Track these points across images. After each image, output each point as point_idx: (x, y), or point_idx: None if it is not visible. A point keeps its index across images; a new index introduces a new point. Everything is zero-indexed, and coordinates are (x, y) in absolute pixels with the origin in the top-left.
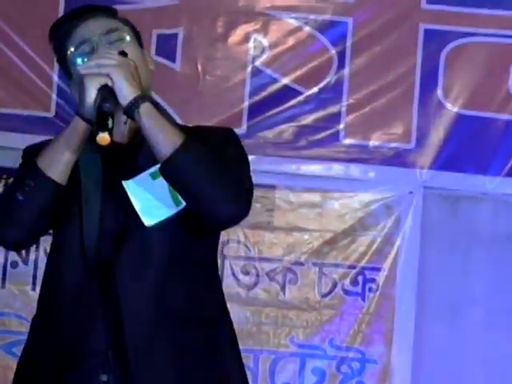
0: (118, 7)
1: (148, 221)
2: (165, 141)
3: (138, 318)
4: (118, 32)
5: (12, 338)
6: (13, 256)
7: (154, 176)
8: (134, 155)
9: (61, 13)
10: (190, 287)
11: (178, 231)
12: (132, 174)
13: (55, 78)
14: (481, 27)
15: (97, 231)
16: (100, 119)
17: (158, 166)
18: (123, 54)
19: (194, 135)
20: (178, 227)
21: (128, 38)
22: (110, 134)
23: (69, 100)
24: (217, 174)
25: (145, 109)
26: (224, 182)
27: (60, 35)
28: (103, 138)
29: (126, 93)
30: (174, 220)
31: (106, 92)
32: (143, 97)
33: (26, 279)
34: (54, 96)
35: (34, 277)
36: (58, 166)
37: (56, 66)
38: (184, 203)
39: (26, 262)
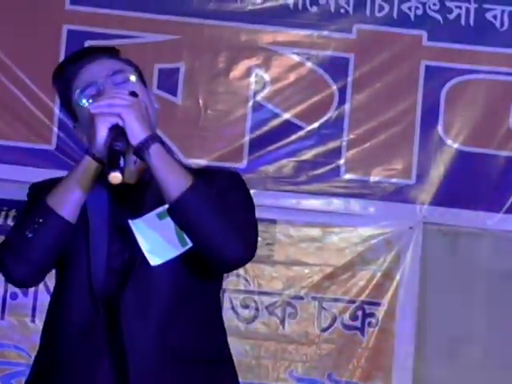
0: (121, 41)
1: (154, 260)
2: (174, 182)
3: (142, 357)
4: (123, 73)
5: (11, 370)
6: (12, 287)
7: (160, 216)
8: (141, 195)
9: (63, 47)
10: (194, 327)
11: (183, 272)
12: (139, 213)
13: (56, 110)
14: (482, 64)
15: (104, 269)
16: (112, 158)
17: (165, 206)
18: (134, 94)
19: (200, 177)
20: (183, 267)
21: (133, 78)
22: (122, 173)
23: (69, 133)
24: (224, 217)
25: (155, 149)
26: (231, 225)
27: (64, 79)
28: (115, 177)
29: (136, 133)
30: (179, 260)
31: (117, 132)
32: (153, 137)
33: (25, 311)
34: (55, 129)
35: (34, 308)
36: (68, 204)
37: (57, 99)
38: (190, 244)
39: (25, 294)
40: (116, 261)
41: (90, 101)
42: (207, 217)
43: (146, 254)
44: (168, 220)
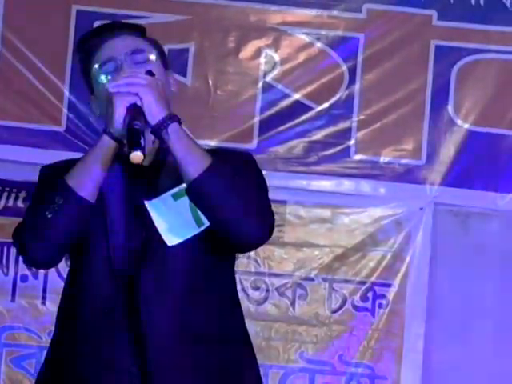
0: (130, 22)
1: (170, 240)
2: (193, 162)
3: (160, 335)
4: (143, 53)
5: (21, 352)
6: (23, 270)
7: (176, 196)
8: (155, 175)
9: (72, 28)
10: (210, 307)
11: (200, 251)
12: (154, 194)
13: (66, 92)
14: (492, 44)
15: (122, 248)
16: (132, 137)
17: (180, 186)
18: (150, 73)
19: (215, 157)
20: (199, 247)
21: (153, 59)
22: (143, 152)
23: (79, 115)
24: (243, 197)
25: (173, 129)
26: (250, 205)
27: (87, 49)
28: (136, 156)
29: (155, 112)
30: (195, 240)
31: (136, 111)
32: (172, 117)
33: (35, 293)
34: (65, 110)
35: (44, 291)
36: (87, 184)
37: (67, 80)
38: (206, 224)
39: (35, 276)
40: (133, 241)
41: (108, 77)
42: (226, 197)
43: (163, 234)
44: (183, 200)
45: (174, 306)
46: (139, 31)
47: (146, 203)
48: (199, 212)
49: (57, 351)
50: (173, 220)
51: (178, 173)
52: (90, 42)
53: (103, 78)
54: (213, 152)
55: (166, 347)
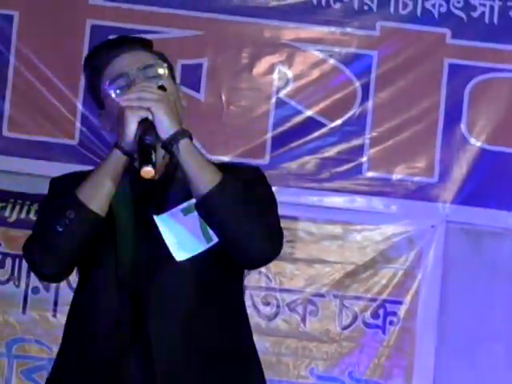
0: (137, 36)
1: (179, 256)
2: (203, 177)
3: (168, 354)
4: (155, 68)
5: (32, 364)
6: (34, 282)
7: (185, 211)
8: (164, 190)
9: (86, 42)
10: (219, 323)
11: (208, 267)
12: (163, 208)
13: (79, 106)
14: (505, 62)
15: (130, 264)
16: (144, 152)
17: (190, 201)
18: (162, 88)
19: (225, 172)
20: (208, 263)
21: (165, 73)
22: (154, 168)
23: (92, 128)
24: (253, 215)
25: (184, 144)
26: (258, 222)
27: (96, 66)
28: (148, 171)
29: (166, 127)
30: (204, 256)
31: (147, 125)
32: (183, 132)
33: (47, 305)
34: (78, 124)
35: (55, 303)
36: (98, 198)
37: (80, 94)
38: (214, 240)
39: (47, 289)
40: (142, 255)
41: (118, 91)
42: (235, 214)
43: (172, 249)
44: (193, 215)
45: (182, 321)
46: (148, 45)
47: (155, 218)
48: (208, 228)
49: (64, 363)
50: (182, 235)
51: (187, 187)
52: (99, 57)
53: (113, 93)
54: (223, 167)
55: (173, 361)
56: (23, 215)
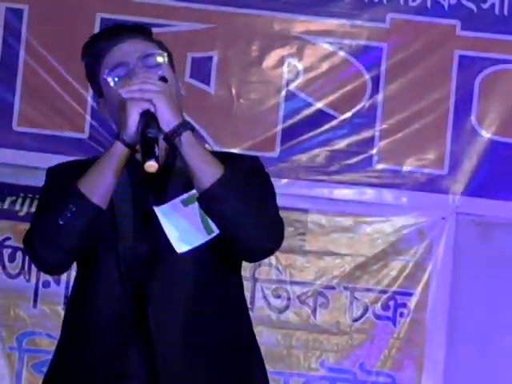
0: (154, 30)
1: (179, 247)
2: (205, 170)
3: (169, 345)
4: (154, 57)
5: (43, 357)
6: (45, 276)
7: (185, 203)
8: (164, 181)
9: None
10: (219, 315)
11: (208, 259)
12: (163, 199)
13: (89, 99)
14: None
15: (131, 256)
16: (147, 146)
17: (190, 192)
18: (164, 79)
19: (225, 163)
20: (208, 255)
21: (165, 63)
22: (157, 162)
23: (102, 122)
24: (255, 208)
25: (186, 137)
26: (262, 215)
27: (95, 54)
28: (151, 165)
29: (168, 119)
30: (204, 248)
31: (149, 118)
32: (185, 124)
33: (57, 299)
34: (88, 117)
35: (66, 297)
36: (100, 190)
37: (90, 88)
38: (215, 232)
39: (57, 282)
40: (142, 248)
41: (117, 80)
42: (237, 207)
43: (172, 241)
44: (193, 206)
45: (183, 313)
46: (147, 34)
47: (156, 209)
48: (209, 220)
49: (64, 355)
50: (182, 227)
51: (187, 178)
52: (98, 45)
53: (113, 83)
54: (222, 157)
55: (174, 354)
56: (33, 209)
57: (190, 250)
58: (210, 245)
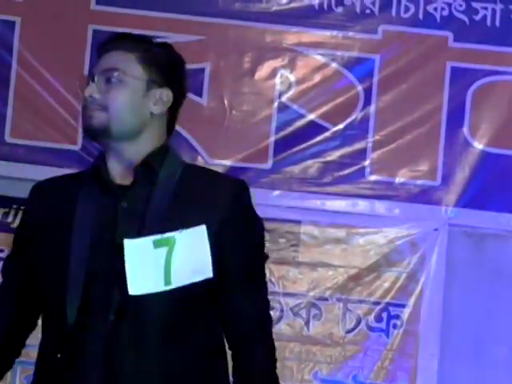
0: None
1: (133, 290)
2: None
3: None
4: (111, 72)
5: None
6: None
7: (156, 244)
8: (143, 209)
9: (88, 48)
10: (188, 359)
11: (172, 308)
12: (135, 231)
13: None
14: (508, 65)
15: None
16: None
17: (164, 235)
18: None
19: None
20: (172, 304)
21: (124, 80)
22: None
23: None
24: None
25: None
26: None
27: (92, 64)
28: None
29: None
30: (169, 294)
31: None
32: None
33: None
34: (81, 129)
35: None
36: None
37: None
38: (173, 285)
39: None
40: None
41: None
42: None
43: (128, 281)
44: (162, 250)
45: (147, 358)
46: (130, 45)
47: (125, 241)
48: (172, 271)
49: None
50: (143, 269)
51: (165, 207)
52: (99, 51)
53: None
54: (236, 218)
55: None
56: None
57: (143, 295)
58: (175, 294)
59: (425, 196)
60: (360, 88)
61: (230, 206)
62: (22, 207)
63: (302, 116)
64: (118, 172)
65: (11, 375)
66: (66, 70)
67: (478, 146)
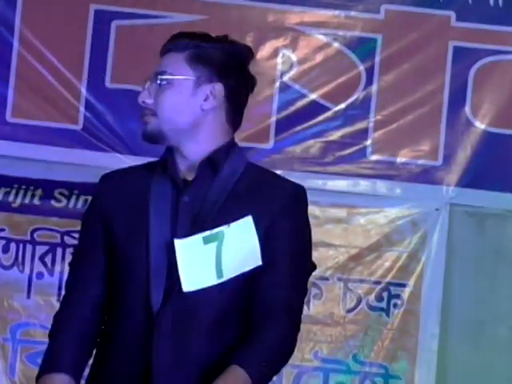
0: (148, 21)
1: (187, 286)
2: None
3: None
4: (160, 75)
5: (37, 349)
6: (38, 267)
7: (206, 240)
8: (196, 210)
9: (90, 27)
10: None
11: (222, 300)
12: (186, 230)
13: (83, 91)
14: (510, 45)
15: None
16: None
17: (213, 231)
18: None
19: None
20: (222, 296)
21: (172, 82)
22: None
23: (96, 113)
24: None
25: None
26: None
27: None
28: None
29: None
30: (221, 287)
31: None
32: None
33: (51, 290)
34: (82, 109)
35: (60, 288)
36: None
37: (84, 79)
38: (225, 277)
39: (51, 274)
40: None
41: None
42: None
43: (181, 278)
44: (211, 246)
45: (192, 356)
46: (181, 46)
47: (176, 242)
48: (223, 263)
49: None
50: (195, 265)
51: (217, 212)
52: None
53: None
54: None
55: None
56: (27, 200)
57: (198, 290)
58: (226, 286)
59: (426, 176)
60: (362, 68)
61: (286, 202)
62: (24, 186)
63: (303, 96)
64: (184, 167)
65: (12, 354)
66: (67, 50)
67: (480, 125)
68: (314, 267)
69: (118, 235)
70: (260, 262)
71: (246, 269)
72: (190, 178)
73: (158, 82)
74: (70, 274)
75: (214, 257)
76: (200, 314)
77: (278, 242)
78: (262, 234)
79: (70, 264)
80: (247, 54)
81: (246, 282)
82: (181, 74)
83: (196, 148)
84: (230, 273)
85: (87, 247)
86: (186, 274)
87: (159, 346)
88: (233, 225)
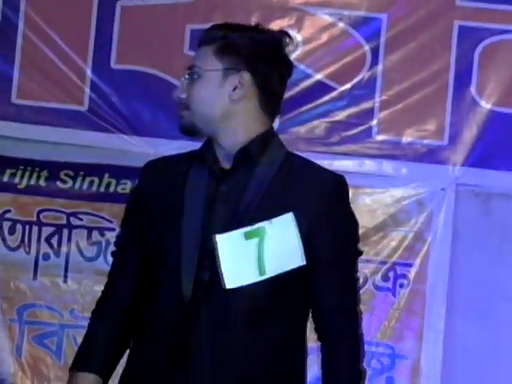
0: (153, 2)
1: (229, 283)
2: None
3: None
4: (191, 69)
5: (43, 330)
6: (45, 248)
7: (247, 236)
8: (235, 203)
9: (94, 8)
10: (269, 352)
11: (263, 297)
12: (226, 225)
13: (88, 72)
14: None
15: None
16: None
17: (254, 226)
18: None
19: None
20: (263, 293)
21: (201, 75)
22: None
23: (101, 94)
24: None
25: None
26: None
27: None
28: None
29: None
30: (260, 285)
31: None
32: None
33: (57, 271)
34: (88, 90)
35: (66, 269)
36: None
37: (90, 60)
38: (267, 274)
39: (57, 255)
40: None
41: None
42: None
43: (224, 275)
44: (253, 241)
45: (228, 351)
46: (211, 39)
47: (217, 237)
48: (265, 260)
49: (126, 371)
50: (237, 261)
51: (257, 207)
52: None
53: None
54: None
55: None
56: (33, 181)
57: (243, 286)
58: (267, 283)
59: (432, 156)
60: (367, 48)
61: (328, 196)
62: (29, 168)
63: (308, 76)
64: (222, 156)
65: (19, 335)
66: (73, 31)
67: (486, 105)
68: (360, 253)
69: (152, 224)
70: (303, 262)
71: (289, 267)
72: (227, 167)
73: (189, 75)
74: (112, 264)
75: (256, 253)
76: (237, 308)
77: (321, 242)
78: (304, 231)
79: (111, 254)
80: (279, 39)
81: (287, 279)
82: (209, 66)
83: (231, 138)
84: (273, 270)
85: (126, 240)
86: (228, 271)
87: (196, 342)
88: (274, 221)
